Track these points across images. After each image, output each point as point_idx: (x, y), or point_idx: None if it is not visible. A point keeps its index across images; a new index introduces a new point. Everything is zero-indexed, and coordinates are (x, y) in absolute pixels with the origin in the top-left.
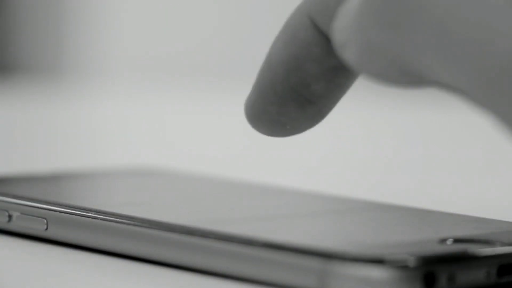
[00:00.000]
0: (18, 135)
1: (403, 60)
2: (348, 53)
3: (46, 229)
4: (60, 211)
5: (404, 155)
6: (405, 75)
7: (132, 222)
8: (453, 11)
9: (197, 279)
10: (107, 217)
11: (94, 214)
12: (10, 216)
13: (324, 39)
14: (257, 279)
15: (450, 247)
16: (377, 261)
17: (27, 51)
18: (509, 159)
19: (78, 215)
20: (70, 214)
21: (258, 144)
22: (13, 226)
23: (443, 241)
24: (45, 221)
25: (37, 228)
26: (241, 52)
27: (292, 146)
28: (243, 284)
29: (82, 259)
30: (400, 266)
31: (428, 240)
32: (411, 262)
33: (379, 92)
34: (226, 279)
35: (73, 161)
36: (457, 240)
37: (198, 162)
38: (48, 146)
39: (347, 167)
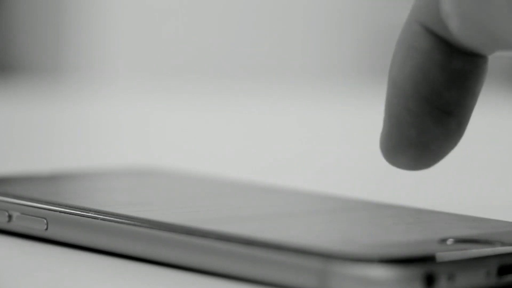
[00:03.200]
0: (18, 135)
1: (493, 28)
2: (451, 24)
3: (46, 229)
4: (60, 211)
5: None
6: (495, 42)
7: (132, 222)
8: None
9: (197, 279)
10: (107, 217)
11: (94, 214)
12: (10, 216)
13: (441, 42)
14: (257, 279)
15: (450, 247)
16: (377, 261)
17: (27, 51)
18: (509, 159)
19: (78, 215)
20: (70, 214)
21: (257, 144)
22: (13, 226)
23: (443, 241)
24: (45, 221)
25: (37, 228)
26: (240, 52)
27: (292, 146)
28: (243, 284)
29: (82, 259)
30: (400, 266)
31: (428, 240)
32: (411, 262)
33: (379, 92)
34: (226, 279)
35: (72, 161)
36: (457, 240)
37: (197, 162)
38: (48, 146)
39: (347, 167)
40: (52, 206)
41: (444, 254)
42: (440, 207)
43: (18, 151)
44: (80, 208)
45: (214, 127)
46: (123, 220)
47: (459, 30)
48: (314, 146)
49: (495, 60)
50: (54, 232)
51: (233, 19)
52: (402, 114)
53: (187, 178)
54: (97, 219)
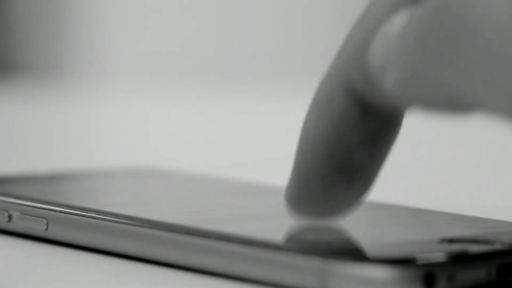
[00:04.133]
0: (18, 135)
1: (450, 86)
2: (388, 79)
3: (46, 229)
4: (60, 211)
5: (404, 154)
6: (451, 102)
7: (132, 222)
8: (502, 32)
9: (197, 279)
10: (107, 217)
11: (94, 214)
12: (10, 216)
13: (358, 102)
14: (257, 279)
15: (450, 247)
16: (377, 261)
17: (27, 51)
18: (509, 159)
19: (78, 215)
20: (70, 214)
21: (257, 144)
22: (13, 226)
23: (443, 241)
24: (45, 221)
25: (37, 228)
26: (239, 52)
27: (292, 146)
28: (243, 284)
29: (82, 259)
30: (400, 266)
31: (428, 240)
32: (411, 262)
33: None
34: (226, 279)
35: (72, 161)
36: (457, 240)
37: (197, 162)
38: (48, 146)
39: None
40: (52, 206)
41: (444, 254)
42: (440, 207)
43: (18, 151)
44: (80, 208)
45: (214, 127)
46: (123, 220)
47: (397, 84)
48: None
49: None
50: (54, 232)
51: (233, 19)
52: (310, 173)
53: (187, 178)
54: (97, 219)
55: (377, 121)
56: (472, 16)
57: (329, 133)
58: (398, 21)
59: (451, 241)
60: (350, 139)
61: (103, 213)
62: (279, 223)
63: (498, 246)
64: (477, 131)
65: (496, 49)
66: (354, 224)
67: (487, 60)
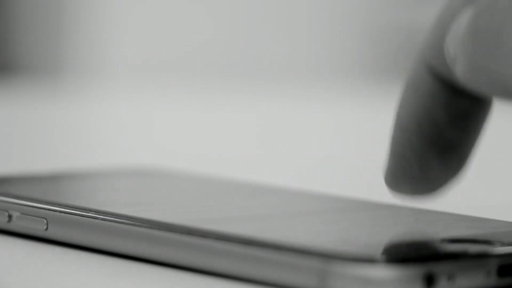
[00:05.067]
0: (18, 135)
1: (504, 77)
2: (457, 68)
3: (46, 229)
4: (60, 211)
5: None
6: (501, 89)
7: (132, 222)
8: None
9: (197, 279)
10: (107, 217)
11: (94, 214)
12: (10, 216)
13: (446, 84)
14: (257, 279)
15: (450, 247)
16: (377, 261)
17: (27, 51)
18: (509, 159)
19: (78, 215)
20: (70, 214)
21: (257, 144)
22: (13, 226)
23: (443, 241)
24: (45, 221)
25: (37, 228)
26: (239, 52)
27: (291, 145)
28: (243, 284)
29: (82, 259)
30: (400, 266)
31: (428, 240)
32: (411, 262)
33: (378, 91)
34: (226, 279)
35: (73, 161)
36: (457, 240)
37: (196, 162)
38: (48, 146)
39: (347, 166)
40: (52, 206)
41: (444, 254)
42: (440, 207)
43: (18, 151)
44: (80, 208)
45: (214, 127)
46: (123, 220)
47: (464, 75)
48: (314, 146)
49: None
50: (54, 232)
51: (233, 18)
52: (406, 151)
53: (187, 178)
54: (97, 219)
55: (464, 100)
56: None
57: (419, 112)
58: (465, 16)
59: (451, 241)
60: (440, 118)
61: (103, 213)
62: (279, 223)
63: (498, 246)
64: None
65: None
66: (354, 224)
67: None
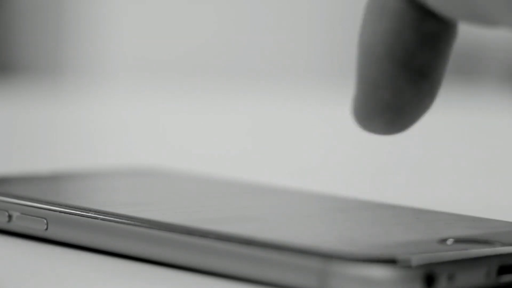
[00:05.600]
0: (18, 135)
1: (475, 5)
2: None
3: (46, 229)
4: (60, 211)
5: (404, 154)
6: (476, 15)
7: (132, 222)
8: None
9: (197, 279)
10: (107, 217)
11: (94, 214)
12: (10, 216)
13: (413, 3)
14: (257, 279)
15: (450, 247)
16: (377, 261)
17: (27, 51)
18: (509, 159)
19: (78, 215)
20: (70, 214)
21: (257, 144)
22: (13, 226)
23: (443, 241)
24: (45, 221)
25: (37, 228)
26: (239, 53)
27: (291, 145)
28: (243, 284)
29: (82, 259)
30: (400, 266)
31: (428, 240)
32: (411, 262)
33: None
34: (226, 279)
35: (73, 161)
36: (457, 240)
37: (197, 162)
38: (48, 146)
39: (346, 166)
40: (52, 206)
41: (444, 254)
42: (440, 207)
43: (19, 151)
44: (80, 208)
45: (214, 127)
46: (123, 220)
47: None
48: (314, 146)
49: (495, 60)
50: (54, 232)
51: (234, 18)
52: (376, 77)
53: (187, 178)
54: (97, 219)
55: (433, 24)
56: None
57: (388, 33)
58: None
59: (451, 241)
60: (410, 39)
61: (103, 213)
62: (279, 223)
63: (498, 246)
64: (477, 131)
65: None
66: (354, 224)
67: None
